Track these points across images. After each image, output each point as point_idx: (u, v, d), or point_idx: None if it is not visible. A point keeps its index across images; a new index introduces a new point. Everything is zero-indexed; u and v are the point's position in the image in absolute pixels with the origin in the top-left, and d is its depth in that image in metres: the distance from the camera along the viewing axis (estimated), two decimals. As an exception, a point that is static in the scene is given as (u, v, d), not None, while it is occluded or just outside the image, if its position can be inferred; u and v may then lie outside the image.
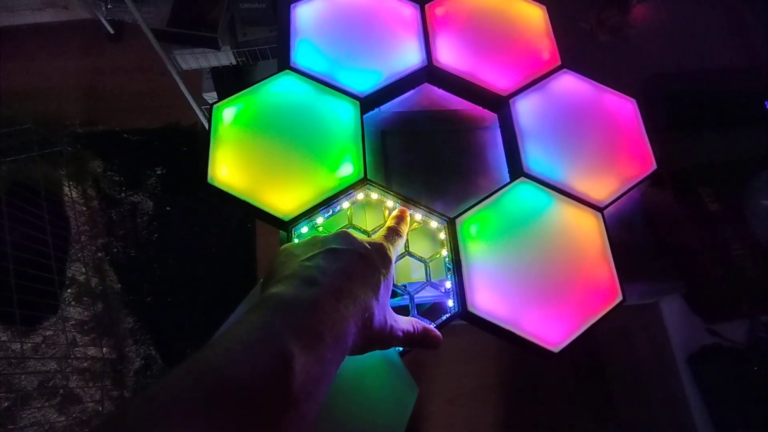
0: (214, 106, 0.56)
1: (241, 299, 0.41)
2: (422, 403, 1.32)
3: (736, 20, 0.75)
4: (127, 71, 1.65)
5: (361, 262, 0.35)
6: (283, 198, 0.52)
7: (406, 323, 0.39)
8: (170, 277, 1.41)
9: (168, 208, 1.49)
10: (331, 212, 0.54)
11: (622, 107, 0.61)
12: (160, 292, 1.40)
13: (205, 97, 1.42)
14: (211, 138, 0.55)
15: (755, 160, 0.55)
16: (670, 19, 0.74)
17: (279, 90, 0.58)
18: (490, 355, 1.36)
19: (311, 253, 0.35)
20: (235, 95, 0.57)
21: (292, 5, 0.63)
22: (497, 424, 1.31)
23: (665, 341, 0.99)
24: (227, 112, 0.56)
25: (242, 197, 0.52)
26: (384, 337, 0.35)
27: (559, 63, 0.62)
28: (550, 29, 0.65)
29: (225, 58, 1.25)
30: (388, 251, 0.39)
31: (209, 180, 0.53)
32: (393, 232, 0.44)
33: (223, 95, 0.57)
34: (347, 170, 0.53)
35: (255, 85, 0.58)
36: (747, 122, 0.66)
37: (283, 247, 0.38)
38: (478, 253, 0.51)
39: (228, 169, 0.53)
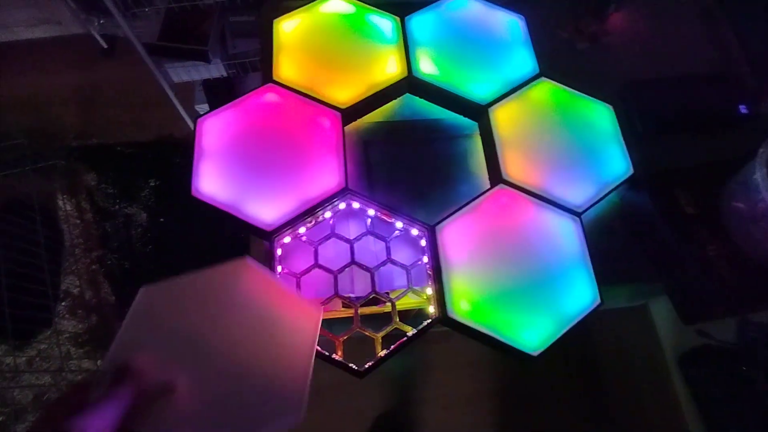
0: (198, 119, 0.58)
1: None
2: (417, 411, 1.32)
3: (711, 27, 0.76)
4: (120, 85, 1.67)
5: None
6: (267, 209, 0.53)
7: None
8: (165, 289, 1.41)
9: (162, 219, 1.50)
10: (314, 222, 0.55)
11: (599, 113, 0.63)
12: (154, 304, 1.40)
13: (197, 109, 1.44)
14: (196, 151, 0.56)
15: (730, 163, 0.56)
16: (647, 27, 0.75)
17: (262, 102, 0.59)
18: (484, 361, 1.36)
19: None
20: (220, 108, 0.58)
21: (274, 20, 0.64)
22: (494, 430, 1.31)
23: (655, 343, 1.00)
24: (212, 125, 0.58)
25: (226, 209, 0.53)
26: None
27: (537, 71, 0.64)
28: (528, 38, 0.66)
29: (216, 70, 1.26)
30: None
31: (194, 192, 0.54)
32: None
33: (214, 107, 0.59)
34: (329, 180, 0.54)
35: (238, 99, 0.59)
36: (722, 126, 0.67)
37: None
38: (457, 259, 0.52)
39: (213, 181, 0.54)
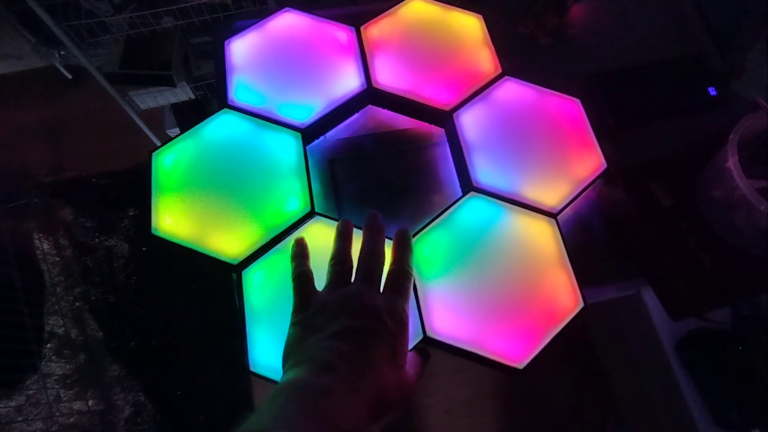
0: (153, 153, 0.55)
1: (224, 333, 0.40)
2: (420, 417, 1.31)
3: (673, 9, 0.75)
4: (89, 115, 1.64)
5: (377, 340, 0.35)
6: (231, 241, 0.51)
7: (413, 366, 0.39)
8: (152, 319, 1.39)
9: (144, 249, 1.47)
10: (282, 250, 0.53)
11: (567, 108, 0.61)
12: (143, 336, 1.38)
13: (169, 134, 1.41)
14: (153, 187, 0.54)
15: (703, 150, 0.55)
16: (609, 16, 0.74)
17: (219, 129, 0.57)
18: (483, 361, 1.34)
19: (326, 331, 0.35)
20: (174, 140, 0.56)
21: (225, 41, 0.62)
22: (499, 430, 1.30)
23: (651, 330, 0.99)
24: (167, 159, 0.55)
25: (188, 245, 0.51)
26: (402, 399, 0.36)
27: (500, 71, 0.62)
28: (489, 38, 0.64)
29: (183, 93, 1.24)
30: (404, 315, 0.38)
31: (153, 230, 0.52)
32: (402, 279, 0.41)
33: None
34: (293, 205, 0.52)
35: (194, 127, 0.57)
36: (693, 110, 0.66)
37: (296, 319, 0.39)
38: (432, 274, 0.50)
39: (172, 217, 0.52)
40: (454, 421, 1.31)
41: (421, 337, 0.47)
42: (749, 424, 0.67)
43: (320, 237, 0.51)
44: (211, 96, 1.25)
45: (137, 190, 1.52)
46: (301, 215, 0.51)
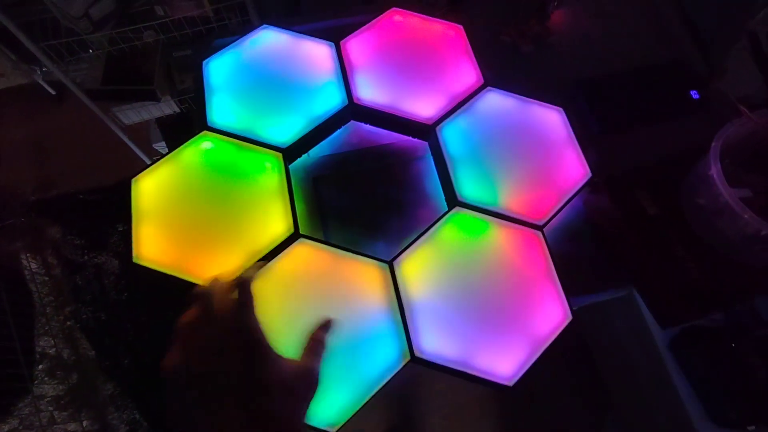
0: (133, 180, 0.55)
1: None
2: (418, 423, 1.30)
3: (654, 13, 0.75)
4: (74, 130, 1.61)
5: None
6: (213, 267, 0.50)
7: (308, 354, 0.39)
8: (145, 335, 1.37)
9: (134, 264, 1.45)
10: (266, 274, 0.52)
11: (551, 118, 0.61)
12: (136, 353, 1.36)
13: (155, 147, 1.39)
14: (133, 214, 0.53)
15: (686, 156, 0.55)
16: (591, 21, 0.73)
17: (198, 152, 0.56)
18: (479, 365, 1.34)
19: (221, 414, 0.32)
20: (154, 165, 0.55)
21: (204, 62, 0.61)
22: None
23: (645, 329, 0.99)
24: (148, 184, 0.55)
25: (171, 272, 0.50)
26: (309, 384, 0.37)
27: (482, 82, 0.61)
28: (470, 48, 0.64)
29: (167, 107, 1.23)
30: (316, 374, 0.38)
31: (134, 260, 0.51)
32: (318, 344, 0.41)
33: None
34: (277, 228, 0.51)
35: (173, 151, 0.56)
36: (676, 115, 0.65)
37: (176, 382, 0.34)
38: (419, 293, 0.49)
39: (155, 244, 0.51)
40: (451, 425, 1.30)
41: (408, 358, 0.47)
42: (745, 421, 0.67)
43: (305, 260, 0.51)
44: (196, 108, 1.24)
45: (126, 205, 1.51)
46: (284, 238, 0.51)
